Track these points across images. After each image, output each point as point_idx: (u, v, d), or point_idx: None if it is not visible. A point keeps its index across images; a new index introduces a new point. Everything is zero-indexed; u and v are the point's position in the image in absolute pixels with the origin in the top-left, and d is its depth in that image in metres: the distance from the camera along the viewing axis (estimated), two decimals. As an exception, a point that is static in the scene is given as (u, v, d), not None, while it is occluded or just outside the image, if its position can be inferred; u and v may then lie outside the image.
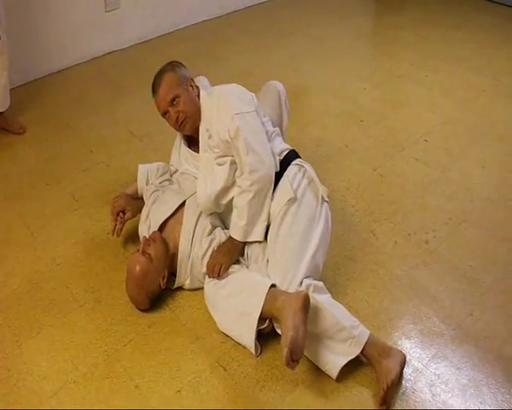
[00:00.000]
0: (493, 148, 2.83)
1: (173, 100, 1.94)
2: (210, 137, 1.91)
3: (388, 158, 2.77)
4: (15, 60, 3.18)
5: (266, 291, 1.70)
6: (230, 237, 1.92)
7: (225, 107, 1.88)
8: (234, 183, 1.91)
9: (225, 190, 1.92)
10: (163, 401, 1.67)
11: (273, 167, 1.87)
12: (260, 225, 1.87)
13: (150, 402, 1.67)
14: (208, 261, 1.90)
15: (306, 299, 1.62)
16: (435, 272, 2.10)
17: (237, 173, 1.89)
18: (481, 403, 1.66)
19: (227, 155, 1.89)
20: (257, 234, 1.88)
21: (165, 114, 1.98)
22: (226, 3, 4.44)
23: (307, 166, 1.98)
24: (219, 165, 1.91)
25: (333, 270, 2.09)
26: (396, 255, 2.18)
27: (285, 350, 1.53)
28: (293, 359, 1.54)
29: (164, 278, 1.94)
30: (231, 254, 1.90)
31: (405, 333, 1.87)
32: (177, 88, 1.94)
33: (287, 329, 1.56)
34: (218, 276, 1.85)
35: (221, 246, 1.93)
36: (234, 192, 1.91)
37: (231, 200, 1.94)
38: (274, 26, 4.27)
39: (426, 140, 2.89)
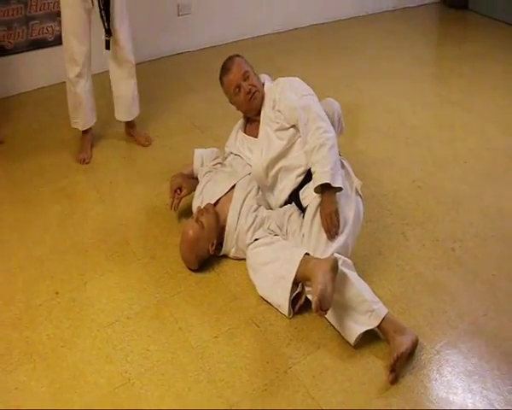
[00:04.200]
0: (531, 177, 2.97)
1: (245, 74, 2.26)
2: (274, 107, 2.21)
3: (427, 173, 2.96)
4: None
5: (301, 258, 1.96)
6: (321, 194, 2.07)
7: (294, 88, 2.22)
8: (284, 155, 2.22)
9: (277, 159, 2.22)
10: (201, 343, 1.94)
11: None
12: (340, 176, 2.08)
13: (190, 342, 1.94)
14: (322, 222, 2.04)
15: (335, 262, 1.87)
16: (457, 276, 2.28)
17: (300, 146, 2.20)
18: (483, 388, 1.83)
19: (285, 128, 2.20)
20: (339, 182, 2.05)
21: (237, 88, 2.28)
22: (290, 20, 4.74)
23: (345, 161, 2.26)
24: (278, 138, 2.22)
25: (362, 261, 2.30)
26: (422, 256, 2.37)
27: (315, 299, 1.79)
28: (321, 308, 1.79)
29: (213, 245, 2.20)
30: (332, 201, 2.04)
31: (422, 321, 2.06)
32: (247, 66, 2.29)
33: (317, 283, 1.80)
34: (338, 223, 2.03)
35: (321, 207, 2.06)
36: (281, 164, 2.22)
37: (276, 175, 2.25)
38: (334, 44, 4.54)
39: (465, 162, 3.06)
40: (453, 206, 2.71)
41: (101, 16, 2.68)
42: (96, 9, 2.67)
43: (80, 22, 2.69)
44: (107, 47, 2.77)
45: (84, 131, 3.01)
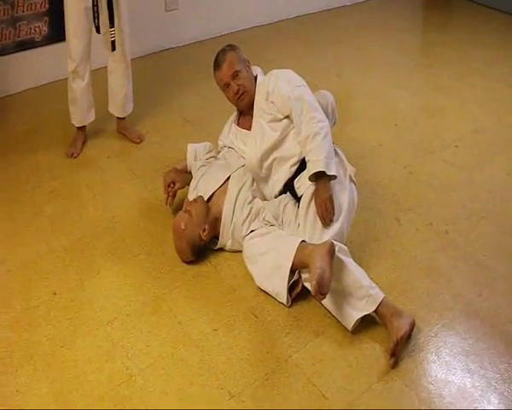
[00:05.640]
0: (520, 158, 3.00)
1: (235, 74, 2.26)
2: (267, 98, 2.23)
3: (419, 158, 2.98)
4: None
5: (297, 245, 1.97)
6: (315, 182, 2.09)
7: (287, 79, 2.23)
8: (278, 147, 2.23)
9: (271, 150, 2.24)
10: (201, 337, 1.95)
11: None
12: (335, 164, 2.10)
13: (190, 336, 1.95)
14: (317, 210, 2.06)
15: (332, 246, 1.89)
16: (451, 258, 2.31)
17: (293, 136, 2.21)
18: (481, 367, 1.86)
19: (278, 119, 2.21)
20: (334, 170, 2.07)
21: (226, 86, 2.29)
22: (277, 12, 4.72)
23: (338, 149, 2.28)
24: (272, 130, 2.23)
25: (358, 247, 2.32)
26: (416, 240, 2.40)
27: (313, 283, 1.81)
28: (320, 292, 1.81)
29: (204, 230, 2.20)
30: (326, 189, 2.06)
31: (418, 304, 2.09)
32: (238, 65, 2.28)
33: (315, 267, 1.83)
34: (332, 210, 2.05)
35: (315, 194, 2.08)
36: (275, 155, 2.24)
37: (270, 167, 2.27)
38: (322, 34, 4.54)
39: (456, 146, 3.09)
40: (445, 190, 2.74)
41: (93, 12, 2.66)
42: (102, 4, 2.66)
43: (79, 20, 2.68)
44: (114, 48, 2.77)
45: (79, 127, 3.01)
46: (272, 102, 2.22)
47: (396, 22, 4.77)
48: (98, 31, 2.73)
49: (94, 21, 2.69)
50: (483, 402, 1.76)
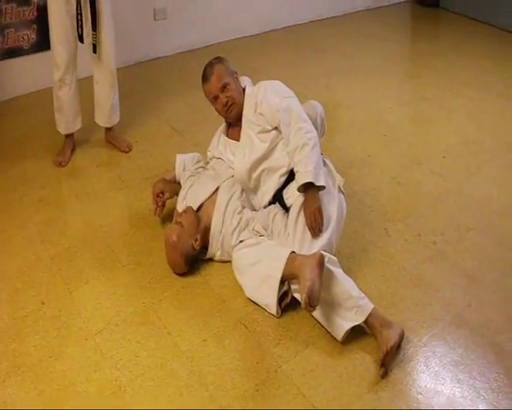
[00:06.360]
0: (509, 169, 3.02)
1: (224, 86, 2.26)
2: (256, 110, 2.23)
3: (407, 169, 3.00)
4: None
5: (287, 256, 1.97)
6: (304, 193, 2.10)
7: (275, 91, 2.25)
8: (267, 157, 2.24)
9: (260, 161, 2.24)
10: (191, 347, 1.94)
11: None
12: (323, 174, 2.12)
13: (180, 346, 1.94)
14: (306, 220, 2.07)
15: (321, 258, 1.90)
16: (440, 268, 2.32)
17: (282, 147, 2.21)
18: (470, 377, 1.87)
19: (267, 130, 2.22)
20: (322, 180, 2.09)
21: (215, 98, 2.30)
22: (266, 22, 4.75)
23: (327, 159, 2.30)
24: (261, 141, 2.24)
25: (347, 258, 2.32)
26: (405, 251, 2.41)
27: (304, 296, 1.81)
28: (310, 304, 1.81)
29: (196, 240, 2.20)
30: (315, 200, 2.08)
31: (408, 315, 2.09)
32: (226, 77, 2.28)
33: (304, 279, 1.83)
34: (321, 221, 2.06)
35: (304, 205, 2.09)
36: (264, 165, 2.25)
37: (259, 178, 2.27)
38: (310, 44, 4.57)
39: (444, 156, 3.11)
40: (433, 200, 2.75)
41: (77, 21, 2.66)
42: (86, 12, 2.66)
43: (63, 28, 2.68)
44: (95, 51, 2.75)
45: (67, 135, 3.00)
46: (261, 114, 2.23)
47: (385, 33, 4.82)
48: (81, 40, 2.73)
49: (77, 30, 2.69)
50: (472, 412, 1.77)
